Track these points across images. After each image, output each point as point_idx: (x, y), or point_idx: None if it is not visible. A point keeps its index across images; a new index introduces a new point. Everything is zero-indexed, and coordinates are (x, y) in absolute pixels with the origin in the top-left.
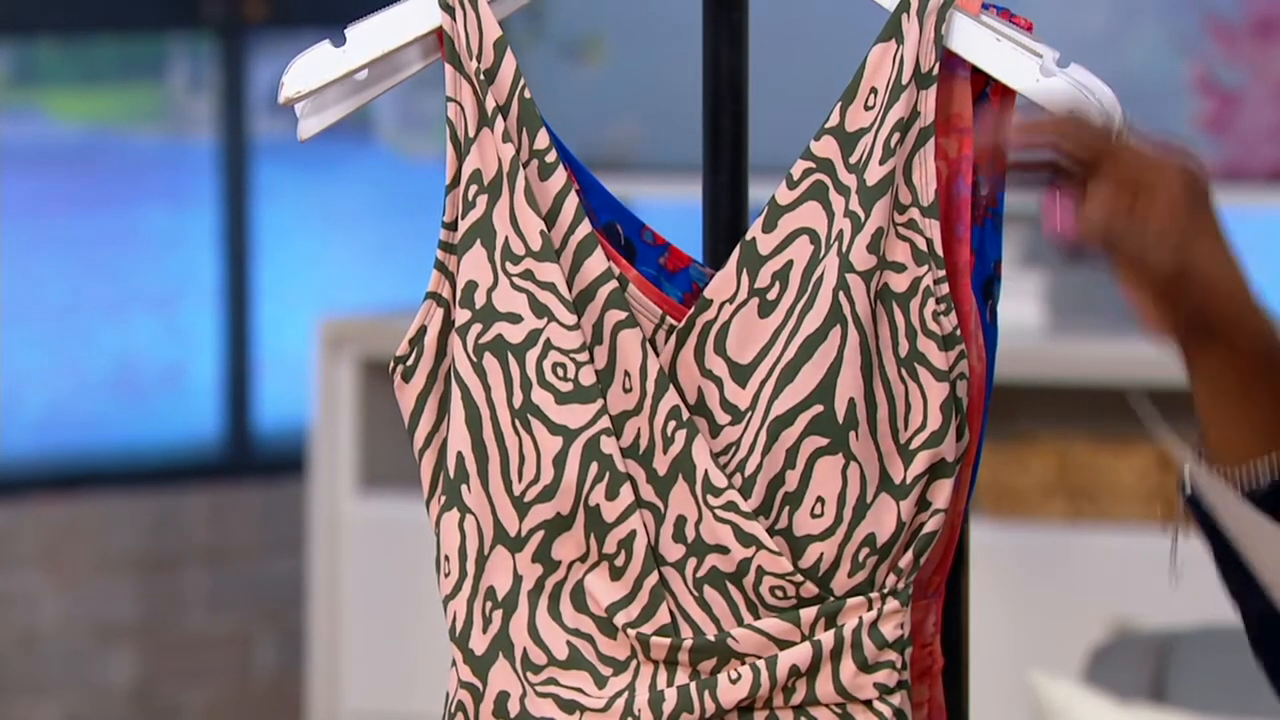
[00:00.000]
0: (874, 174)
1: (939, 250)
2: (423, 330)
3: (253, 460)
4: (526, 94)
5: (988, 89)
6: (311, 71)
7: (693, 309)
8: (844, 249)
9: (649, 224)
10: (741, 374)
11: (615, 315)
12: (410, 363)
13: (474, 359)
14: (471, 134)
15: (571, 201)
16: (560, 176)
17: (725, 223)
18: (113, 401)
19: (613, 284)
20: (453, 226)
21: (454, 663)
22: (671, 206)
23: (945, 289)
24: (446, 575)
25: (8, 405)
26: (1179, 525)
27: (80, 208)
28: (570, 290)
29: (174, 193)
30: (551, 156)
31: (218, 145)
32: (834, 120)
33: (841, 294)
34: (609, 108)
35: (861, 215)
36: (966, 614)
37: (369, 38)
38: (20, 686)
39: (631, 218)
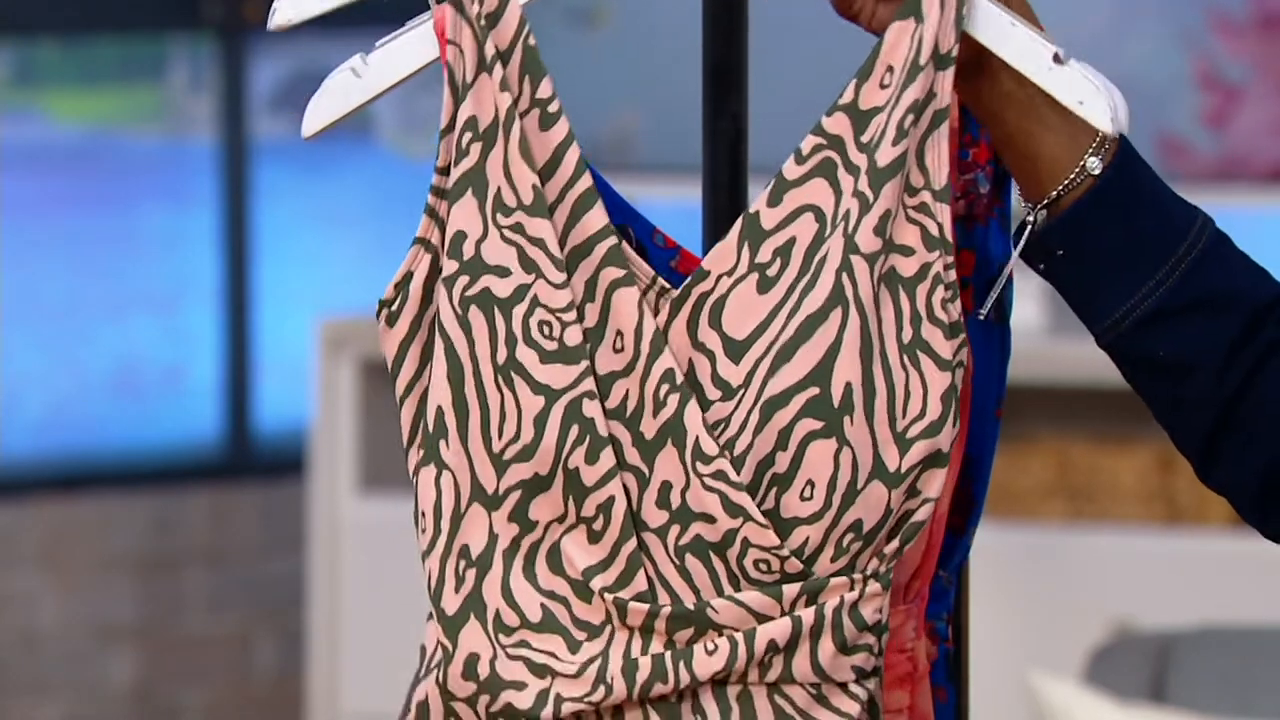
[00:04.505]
0: (885, 155)
1: (949, 236)
2: (409, 276)
3: (253, 460)
4: (531, 41)
5: None
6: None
7: (689, 278)
8: (850, 230)
9: (659, 226)
10: (736, 350)
11: (612, 273)
12: (395, 308)
13: (459, 312)
14: (469, 79)
15: (573, 154)
16: (563, 128)
17: (725, 223)
18: (113, 402)
19: (611, 240)
20: (445, 172)
21: (430, 616)
22: (671, 207)
23: (953, 275)
24: (423, 531)
25: (8, 405)
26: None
27: (80, 208)
28: (564, 246)
29: (174, 193)
30: (554, 106)
31: (218, 145)
32: (847, 97)
33: (845, 275)
34: (606, 95)
35: (870, 196)
36: (966, 614)
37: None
38: (20, 686)
39: (642, 220)
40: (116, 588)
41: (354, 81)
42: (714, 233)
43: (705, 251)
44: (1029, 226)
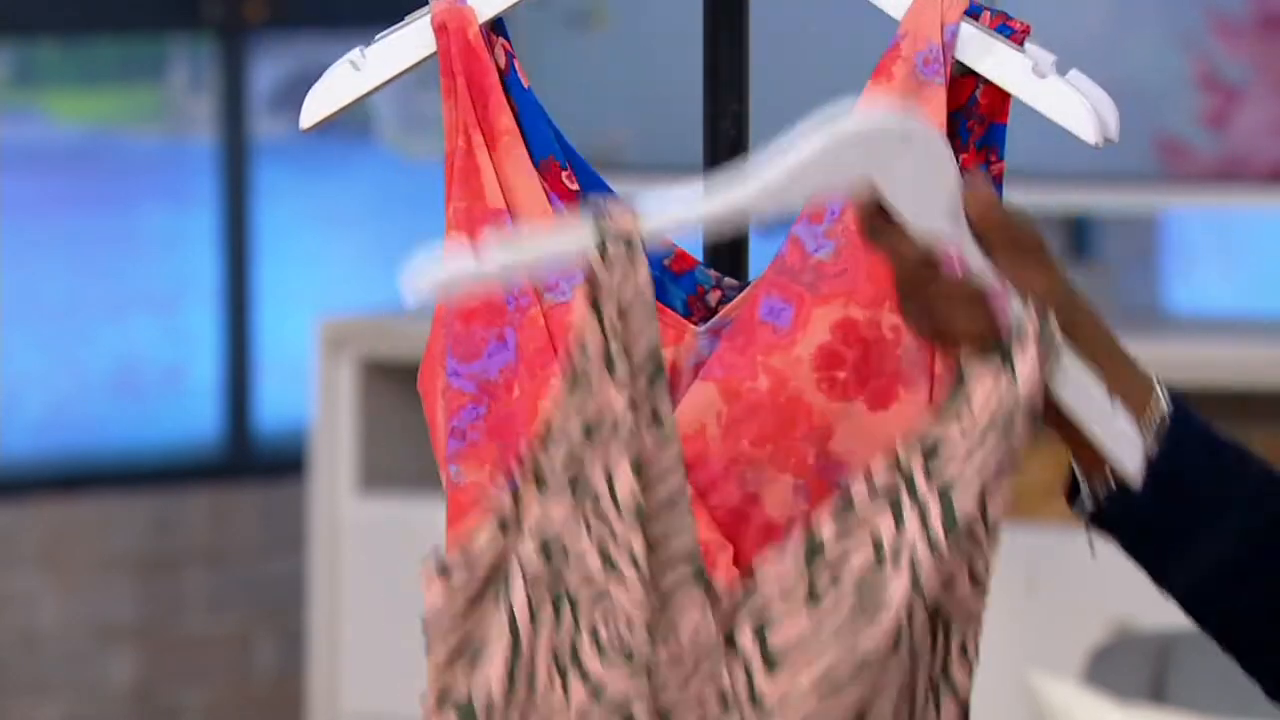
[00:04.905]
0: (964, 506)
1: (990, 576)
2: (479, 552)
3: (253, 460)
4: (660, 356)
5: (976, 94)
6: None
7: (741, 591)
8: (918, 574)
9: None
10: (774, 663)
11: (689, 592)
12: (454, 575)
13: (531, 598)
14: (590, 377)
15: (679, 471)
16: (671, 433)
17: (724, 224)
18: (113, 402)
19: (696, 565)
20: (543, 448)
21: None
22: None
23: (982, 610)
24: None
25: (8, 405)
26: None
27: (80, 208)
28: (649, 556)
29: (174, 193)
30: (667, 413)
31: (218, 145)
32: (928, 432)
33: (905, 620)
34: (605, 95)
35: (944, 545)
36: None
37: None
38: (20, 686)
39: None
40: (116, 588)
41: (352, 74)
42: (713, 233)
43: (704, 253)
44: (1088, 509)
